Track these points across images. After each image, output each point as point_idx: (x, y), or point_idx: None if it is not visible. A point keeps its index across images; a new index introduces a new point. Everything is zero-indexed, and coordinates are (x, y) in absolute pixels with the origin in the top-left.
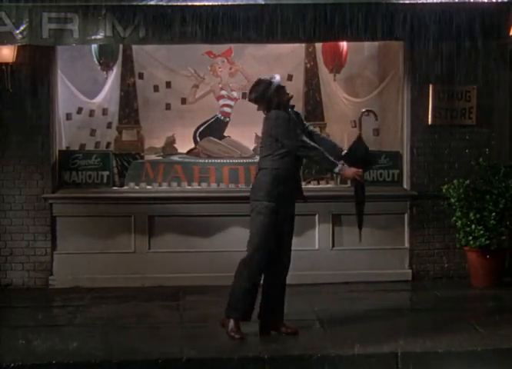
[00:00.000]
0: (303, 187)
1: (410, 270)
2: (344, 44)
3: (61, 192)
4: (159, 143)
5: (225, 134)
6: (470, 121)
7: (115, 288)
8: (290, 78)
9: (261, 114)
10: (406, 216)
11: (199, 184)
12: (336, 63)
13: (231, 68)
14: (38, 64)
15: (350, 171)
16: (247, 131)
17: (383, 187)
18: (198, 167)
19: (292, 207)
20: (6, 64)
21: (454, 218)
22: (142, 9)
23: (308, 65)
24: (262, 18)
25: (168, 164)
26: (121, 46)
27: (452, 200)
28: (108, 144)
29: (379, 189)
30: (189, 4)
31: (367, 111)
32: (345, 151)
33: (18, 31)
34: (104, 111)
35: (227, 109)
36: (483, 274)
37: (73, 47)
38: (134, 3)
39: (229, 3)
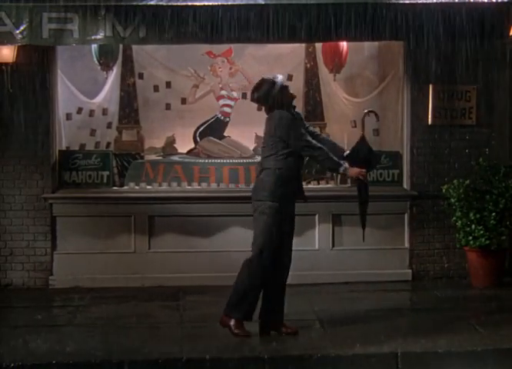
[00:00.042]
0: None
1: (410, 270)
2: (343, 44)
3: (61, 192)
4: (159, 143)
5: (225, 134)
6: (470, 121)
7: (115, 288)
8: (290, 78)
9: (261, 115)
10: (406, 216)
11: (199, 184)
12: (336, 63)
13: (231, 68)
14: (38, 64)
15: (354, 170)
16: (247, 131)
17: (383, 187)
18: (198, 167)
19: (293, 207)
20: (6, 64)
21: (454, 218)
22: (142, 9)
23: (308, 65)
24: (262, 18)
25: (168, 164)
26: (121, 46)
27: (452, 200)
28: (108, 144)
29: (379, 189)
30: (189, 4)
31: (368, 111)
32: (347, 152)
33: (18, 31)
34: (104, 111)
35: (227, 109)
36: (483, 274)
37: (73, 47)
38: (134, 3)
39: (229, 3)
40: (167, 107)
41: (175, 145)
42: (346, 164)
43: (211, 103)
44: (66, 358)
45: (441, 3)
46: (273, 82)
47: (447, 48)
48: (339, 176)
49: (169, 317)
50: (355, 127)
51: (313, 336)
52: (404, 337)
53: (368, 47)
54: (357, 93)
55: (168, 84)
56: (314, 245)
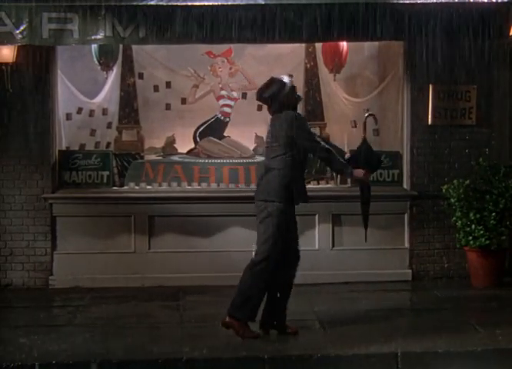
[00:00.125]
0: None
1: (410, 270)
2: (343, 44)
3: (61, 192)
4: (159, 143)
5: (225, 134)
6: (470, 121)
7: (115, 288)
8: (286, 76)
9: (261, 115)
10: (406, 216)
11: (199, 184)
12: (336, 63)
13: (230, 68)
14: (38, 64)
15: (359, 172)
16: (247, 131)
17: (383, 187)
18: (198, 167)
19: (294, 208)
20: (6, 64)
21: (454, 218)
22: (142, 9)
23: (308, 65)
24: (262, 18)
25: (168, 164)
26: (121, 46)
27: (452, 200)
28: (108, 144)
29: (379, 189)
30: (189, 4)
31: (369, 115)
32: (348, 155)
33: (18, 31)
34: (104, 111)
35: (227, 109)
36: (483, 274)
37: (73, 47)
38: (134, 3)
39: (229, 3)
40: (167, 107)
41: (175, 145)
42: (351, 167)
43: (211, 103)
44: (66, 358)
45: (441, 3)
46: (283, 83)
47: (446, 48)
48: (339, 176)
49: (169, 317)
50: (355, 127)
51: (313, 336)
52: (404, 337)
53: (368, 47)
54: (357, 93)
55: (168, 84)
56: (314, 245)
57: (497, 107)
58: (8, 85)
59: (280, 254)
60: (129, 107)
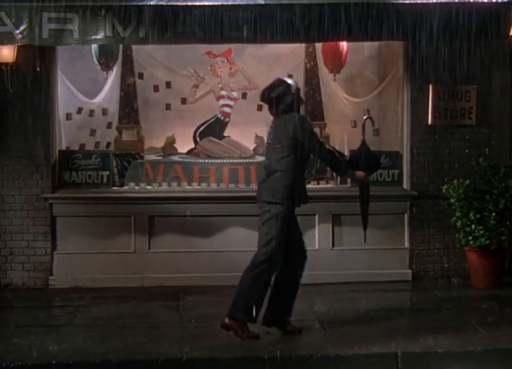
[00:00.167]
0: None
1: (410, 271)
2: (343, 44)
3: (61, 192)
4: (159, 143)
5: (225, 134)
6: (470, 121)
7: (115, 288)
8: (290, 77)
9: (261, 115)
10: (406, 216)
11: (199, 184)
12: (336, 63)
13: (230, 68)
14: (38, 64)
15: (360, 174)
16: (247, 131)
17: (383, 187)
18: (198, 168)
19: (295, 209)
20: (6, 64)
21: (454, 218)
22: (142, 9)
23: (308, 65)
24: (262, 18)
25: (168, 164)
26: (121, 46)
27: (452, 200)
28: (108, 144)
29: (379, 189)
30: (189, 4)
31: (367, 117)
32: (347, 157)
33: (18, 31)
34: (104, 111)
35: (227, 109)
36: (483, 274)
37: (73, 47)
38: (134, 3)
39: (229, 3)
40: (167, 107)
41: (175, 145)
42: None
43: (211, 103)
44: (66, 358)
45: (441, 3)
46: (289, 84)
47: (446, 48)
48: (339, 176)
49: (169, 317)
50: (355, 127)
51: (313, 336)
52: (404, 337)
53: (368, 47)
54: (357, 93)
55: (168, 84)
56: (314, 245)
57: (497, 107)
58: (8, 85)
59: (281, 255)
60: (129, 107)
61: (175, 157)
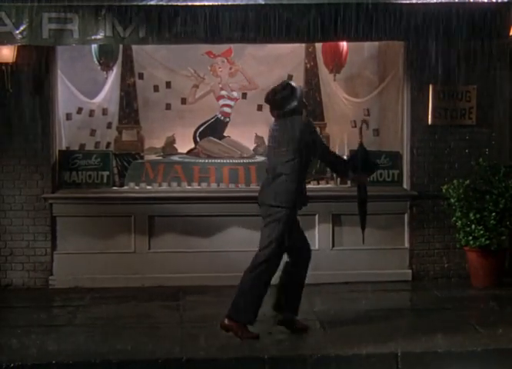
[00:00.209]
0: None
1: (410, 271)
2: (343, 45)
3: (61, 192)
4: (159, 143)
5: (225, 134)
6: (470, 121)
7: (115, 288)
8: (290, 78)
9: (261, 115)
10: (406, 216)
11: (199, 184)
12: (336, 63)
13: (230, 68)
14: (38, 64)
15: (360, 176)
16: (247, 131)
17: (383, 187)
18: (198, 168)
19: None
20: (6, 64)
21: (454, 218)
22: (142, 9)
23: (308, 65)
24: (262, 18)
25: (168, 164)
26: (121, 46)
27: (452, 200)
28: (108, 144)
29: (379, 189)
30: (189, 4)
31: (363, 122)
32: (346, 156)
33: (18, 32)
34: (104, 111)
35: (227, 109)
36: (483, 274)
37: (73, 47)
38: (134, 3)
39: (229, 3)
40: (167, 107)
41: (175, 145)
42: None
43: (211, 103)
44: (66, 358)
45: (441, 3)
46: (295, 88)
47: (446, 48)
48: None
49: (169, 317)
50: (355, 127)
51: (313, 336)
52: (404, 337)
53: (368, 47)
54: (357, 93)
55: (168, 85)
56: (314, 245)
57: (497, 107)
58: (8, 85)
59: (281, 257)
60: (129, 107)
61: (175, 158)
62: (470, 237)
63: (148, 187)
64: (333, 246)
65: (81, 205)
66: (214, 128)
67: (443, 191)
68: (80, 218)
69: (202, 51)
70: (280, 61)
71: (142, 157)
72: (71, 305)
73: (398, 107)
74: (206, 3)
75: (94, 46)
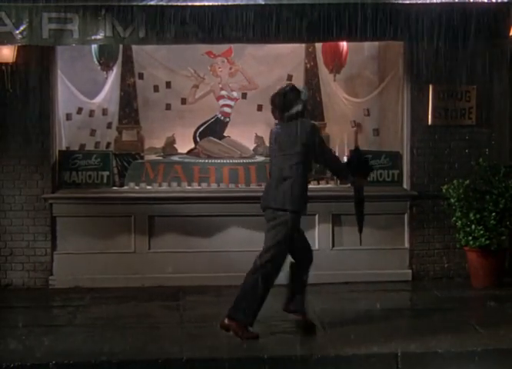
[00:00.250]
0: None
1: (410, 271)
2: (343, 45)
3: (61, 192)
4: (159, 143)
5: (225, 134)
6: (470, 121)
7: (115, 288)
8: (290, 78)
9: (261, 115)
10: (406, 216)
11: (199, 185)
12: (336, 63)
13: (231, 68)
14: (38, 64)
15: (359, 180)
16: (247, 131)
17: (383, 188)
18: (198, 168)
19: None
20: (6, 64)
21: (454, 218)
22: (142, 9)
23: (308, 65)
24: (262, 18)
25: (168, 164)
26: (121, 46)
27: (452, 200)
28: (108, 144)
29: (379, 189)
30: (189, 4)
31: (356, 125)
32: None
33: (18, 32)
34: (104, 112)
35: (227, 109)
36: (483, 274)
37: (73, 47)
38: (134, 3)
39: (229, 3)
40: (167, 107)
41: (175, 145)
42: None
43: (211, 103)
44: (66, 358)
45: (441, 3)
46: (299, 91)
47: (446, 48)
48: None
49: (169, 317)
50: (355, 127)
51: (313, 336)
52: (404, 337)
53: (368, 47)
54: (357, 93)
55: (168, 85)
56: (314, 245)
57: (497, 107)
58: (8, 85)
59: (284, 260)
60: (129, 107)
61: (175, 158)
62: (470, 237)
63: (148, 187)
64: (333, 246)
65: (81, 205)
66: (214, 128)
67: (443, 191)
68: (80, 218)
69: (202, 51)
70: (280, 61)
71: (142, 158)
72: (71, 305)
73: (398, 107)
74: (206, 3)
75: (94, 46)
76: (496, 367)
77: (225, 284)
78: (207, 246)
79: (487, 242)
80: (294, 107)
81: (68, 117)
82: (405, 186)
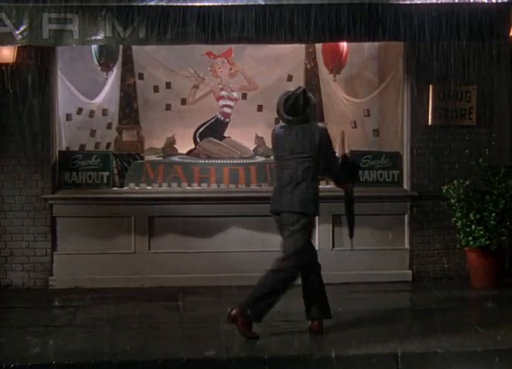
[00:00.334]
0: None
1: (410, 271)
2: (344, 45)
3: (61, 193)
4: (159, 143)
5: (225, 134)
6: (470, 121)
7: (115, 289)
8: (290, 78)
9: (261, 115)
10: (406, 216)
11: (199, 185)
12: (336, 63)
13: (231, 69)
14: (38, 64)
15: (347, 184)
16: (247, 132)
17: (383, 188)
18: (198, 168)
19: None
20: (6, 64)
21: (454, 219)
22: (142, 10)
23: (308, 66)
24: (262, 19)
25: (168, 164)
26: (121, 47)
27: (452, 200)
28: (108, 144)
29: (379, 190)
30: (189, 4)
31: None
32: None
33: (18, 32)
34: (104, 112)
35: (227, 110)
36: (483, 275)
37: (73, 47)
38: (134, 3)
39: (229, 3)
40: (168, 107)
41: (175, 146)
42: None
43: (211, 103)
44: (66, 359)
45: (441, 3)
46: (310, 94)
47: (447, 48)
48: None
49: (169, 317)
50: (355, 127)
51: (313, 336)
52: (404, 337)
53: (368, 47)
54: (357, 93)
55: (168, 85)
56: (314, 245)
57: (497, 107)
58: (8, 86)
59: (306, 264)
60: (129, 107)
61: (175, 158)
62: (470, 238)
63: (148, 187)
64: (333, 246)
65: (81, 206)
66: (214, 129)
67: (444, 191)
68: (80, 219)
69: (202, 52)
70: (280, 61)
71: (142, 158)
72: (71, 306)
73: (398, 107)
74: (206, 3)
75: (94, 46)
76: (496, 367)
77: (225, 284)
78: (207, 246)
79: (487, 242)
80: (306, 110)
81: (68, 117)
82: (405, 186)
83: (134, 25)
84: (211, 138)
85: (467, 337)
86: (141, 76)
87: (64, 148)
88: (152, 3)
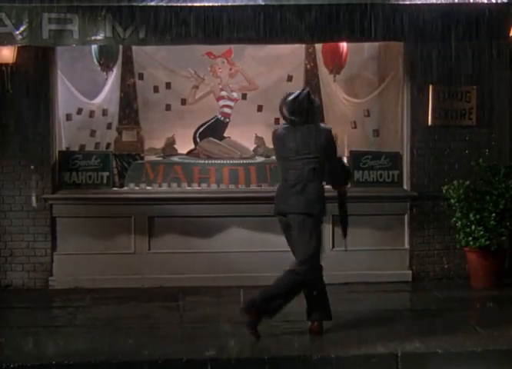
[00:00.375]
0: None
1: (410, 271)
2: (343, 45)
3: (61, 193)
4: (159, 144)
5: (225, 134)
6: (470, 121)
7: (115, 289)
8: (290, 78)
9: (261, 115)
10: (406, 217)
11: (199, 185)
12: (336, 64)
13: (231, 69)
14: (38, 65)
15: (341, 187)
16: (247, 132)
17: (383, 188)
18: (198, 168)
19: None
20: (6, 64)
21: (454, 219)
22: (142, 10)
23: (308, 66)
24: (262, 19)
25: (168, 164)
26: (121, 47)
27: (452, 200)
28: (108, 144)
29: (379, 190)
30: (189, 4)
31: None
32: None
33: (18, 32)
34: (104, 112)
35: (227, 110)
36: (483, 275)
37: (73, 48)
38: (134, 4)
39: (229, 4)
40: (167, 107)
41: (175, 146)
42: None
43: (211, 104)
44: (66, 359)
45: (441, 3)
46: (314, 96)
47: (446, 48)
48: None
49: (169, 317)
50: (355, 128)
51: (313, 336)
52: (404, 337)
53: (368, 47)
54: (356, 94)
55: (168, 85)
56: None
57: (497, 107)
58: (8, 86)
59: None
60: (129, 107)
61: (175, 158)
62: (470, 238)
63: (148, 187)
64: (333, 247)
65: (81, 206)
66: (214, 129)
67: (444, 191)
68: (80, 219)
69: (202, 52)
70: (280, 61)
71: (142, 158)
72: (71, 306)
73: (398, 107)
74: (206, 3)
75: (94, 47)
76: (496, 367)
77: (225, 284)
78: (207, 247)
79: (487, 243)
80: (310, 111)
81: (68, 117)
82: (405, 187)
83: (134, 26)
84: (211, 138)
85: (467, 338)
86: (141, 76)
87: (64, 148)
88: (152, 3)
